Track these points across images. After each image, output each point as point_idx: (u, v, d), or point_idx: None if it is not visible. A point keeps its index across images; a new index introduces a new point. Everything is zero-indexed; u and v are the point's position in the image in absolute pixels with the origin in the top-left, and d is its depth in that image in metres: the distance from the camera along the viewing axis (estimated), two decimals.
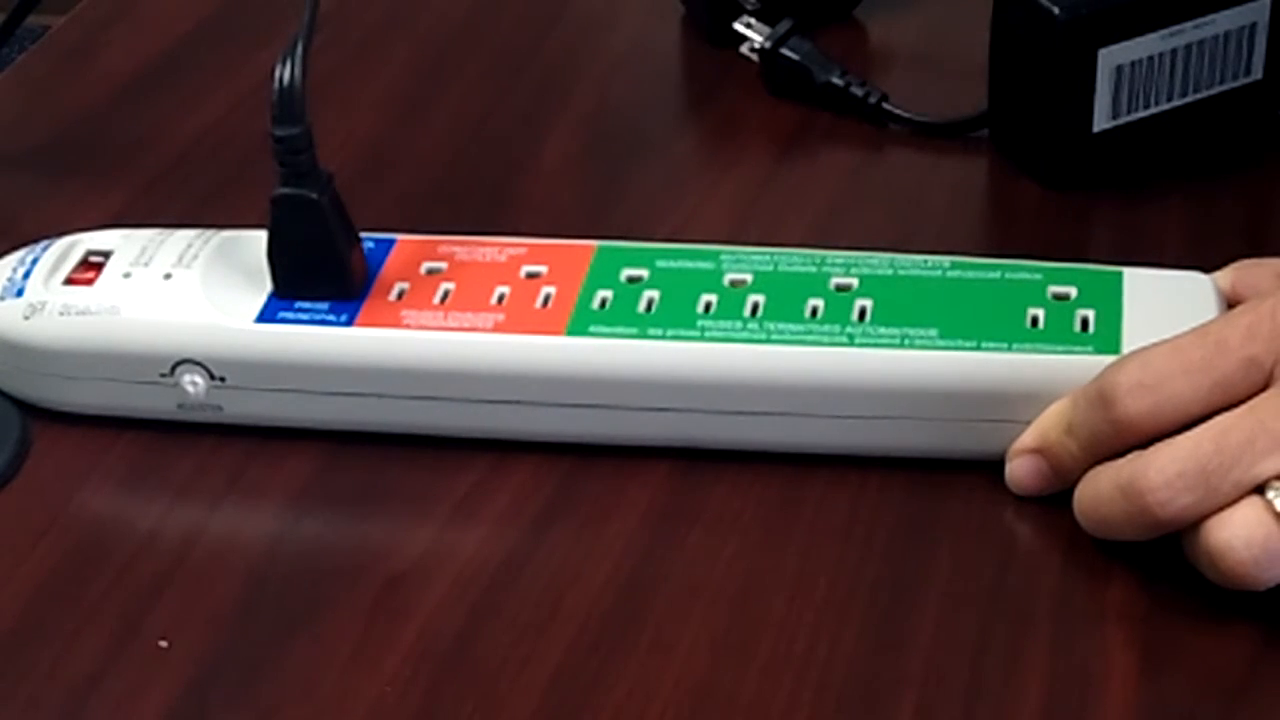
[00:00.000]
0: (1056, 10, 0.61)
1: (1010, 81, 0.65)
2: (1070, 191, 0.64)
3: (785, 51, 0.70)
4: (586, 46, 0.77)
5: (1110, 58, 0.62)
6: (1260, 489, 0.48)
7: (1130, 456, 0.50)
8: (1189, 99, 0.64)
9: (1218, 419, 0.49)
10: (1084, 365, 0.53)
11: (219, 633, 0.51)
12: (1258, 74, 0.64)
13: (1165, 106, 0.64)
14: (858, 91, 0.69)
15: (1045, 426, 0.52)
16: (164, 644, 0.51)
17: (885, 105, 0.68)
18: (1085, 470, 0.52)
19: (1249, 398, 0.49)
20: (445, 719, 0.49)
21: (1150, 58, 0.62)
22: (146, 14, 0.80)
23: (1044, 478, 0.53)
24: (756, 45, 0.70)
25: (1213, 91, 0.64)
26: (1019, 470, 0.53)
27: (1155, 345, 0.51)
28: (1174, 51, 0.63)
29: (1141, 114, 0.64)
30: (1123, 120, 0.63)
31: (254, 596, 0.53)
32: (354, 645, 0.51)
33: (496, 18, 0.79)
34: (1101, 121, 0.63)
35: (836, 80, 0.69)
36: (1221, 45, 0.63)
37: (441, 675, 0.50)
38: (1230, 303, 0.54)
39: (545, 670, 0.50)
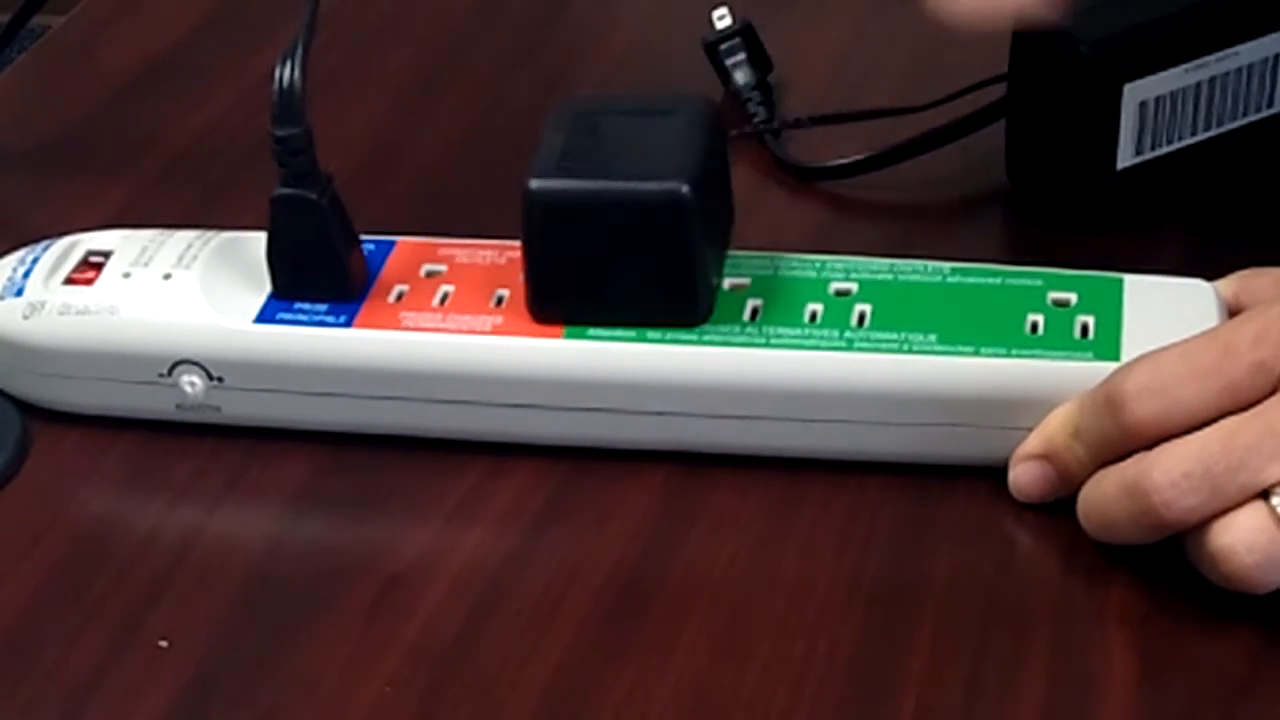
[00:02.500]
0: (1082, 46, 0.60)
1: (1030, 119, 0.63)
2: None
3: (723, 48, 0.71)
4: (586, 46, 0.78)
5: (1135, 93, 0.61)
6: (1265, 494, 0.48)
7: (1136, 457, 0.50)
8: (1211, 133, 0.63)
9: (1225, 421, 0.49)
10: (1084, 372, 0.53)
11: (219, 633, 0.52)
12: (1279, 106, 0.64)
13: (1189, 141, 0.62)
14: (754, 110, 0.69)
15: (1051, 431, 0.52)
16: (164, 644, 0.51)
17: (770, 137, 0.68)
18: (1090, 475, 0.52)
19: (1257, 403, 0.49)
20: (445, 719, 0.49)
21: (1174, 92, 0.61)
22: (146, 14, 0.80)
23: (1049, 483, 0.53)
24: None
25: (1234, 125, 0.63)
26: (1024, 476, 0.53)
27: (1163, 350, 0.51)
28: (1198, 85, 0.61)
29: (1165, 150, 0.62)
30: (1146, 157, 0.62)
31: (254, 596, 0.53)
32: (354, 645, 0.51)
33: (496, 18, 0.79)
34: (1125, 159, 0.62)
35: (742, 92, 0.70)
36: (1245, 78, 0.62)
37: (441, 675, 0.50)
38: (1232, 311, 0.54)
39: (545, 670, 0.50)
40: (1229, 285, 0.55)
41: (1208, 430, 0.49)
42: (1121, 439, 0.50)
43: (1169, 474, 0.49)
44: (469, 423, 0.56)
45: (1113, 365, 0.52)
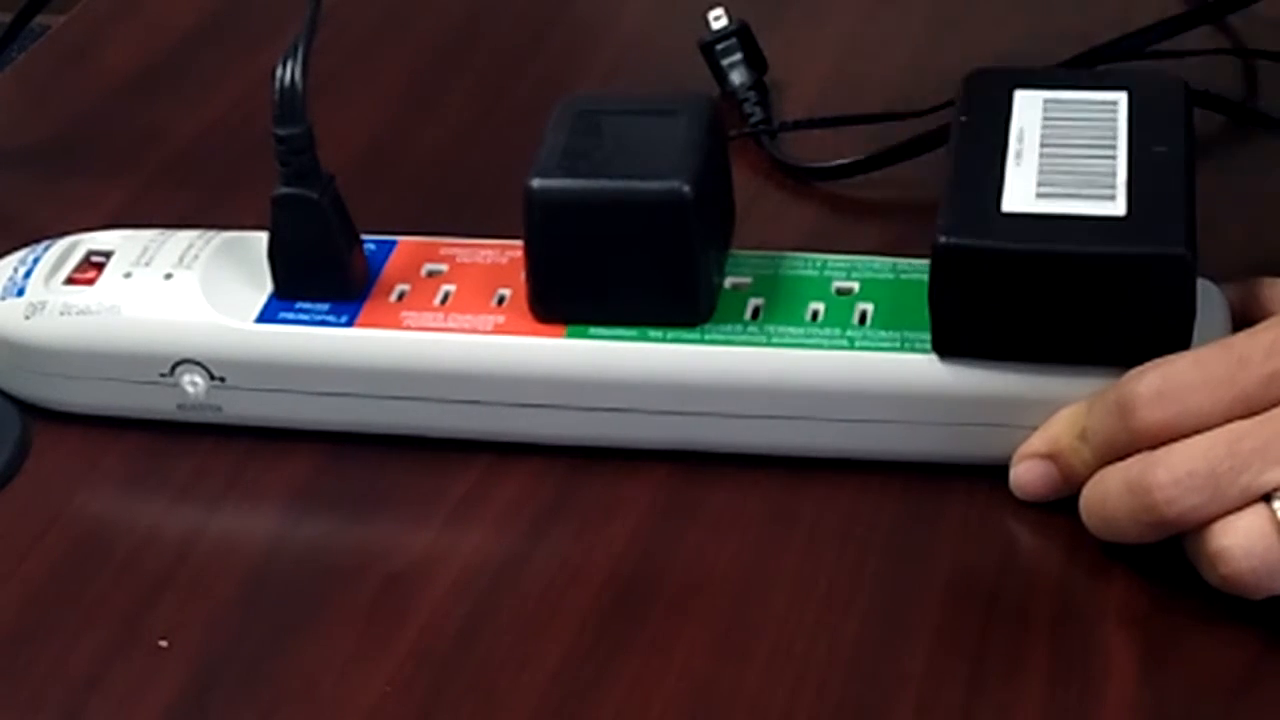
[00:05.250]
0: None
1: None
2: None
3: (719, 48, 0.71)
4: (586, 46, 0.78)
5: None
6: (1267, 497, 0.48)
7: (1141, 455, 0.50)
8: None
9: (1233, 424, 0.49)
10: (1085, 371, 0.52)
11: (219, 633, 0.52)
12: None
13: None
14: (751, 110, 0.69)
15: (1056, 431, 0.52)
16: (164, 644, 0.51)
17: (766, 138, 0.68)
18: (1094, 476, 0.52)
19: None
20: (445, 719, 0.49)
21: None
22: (147, 13, 0.80)
23: (1052, 482, 0.53)
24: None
25: None
26: (1027, 475, 0.53)
27: (1176, 356, 0.51)
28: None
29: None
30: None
31: (254, 596, 0.53)
32: (354, 645, 0.51)
33: (496, 18, 0.79)
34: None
35: (738, 93, 0.70)
36: None
37: (441, 675, 0.50)
38: (1237, 314, 0.54)
39: (545, 670, 0.50)
40: (1236, 289, 0.55)
41: (1214, 432, 0.49)
42: (1130, 443, 0.50)
43: (1173, 472, 0.49)
44: (470, 422, 0.56)
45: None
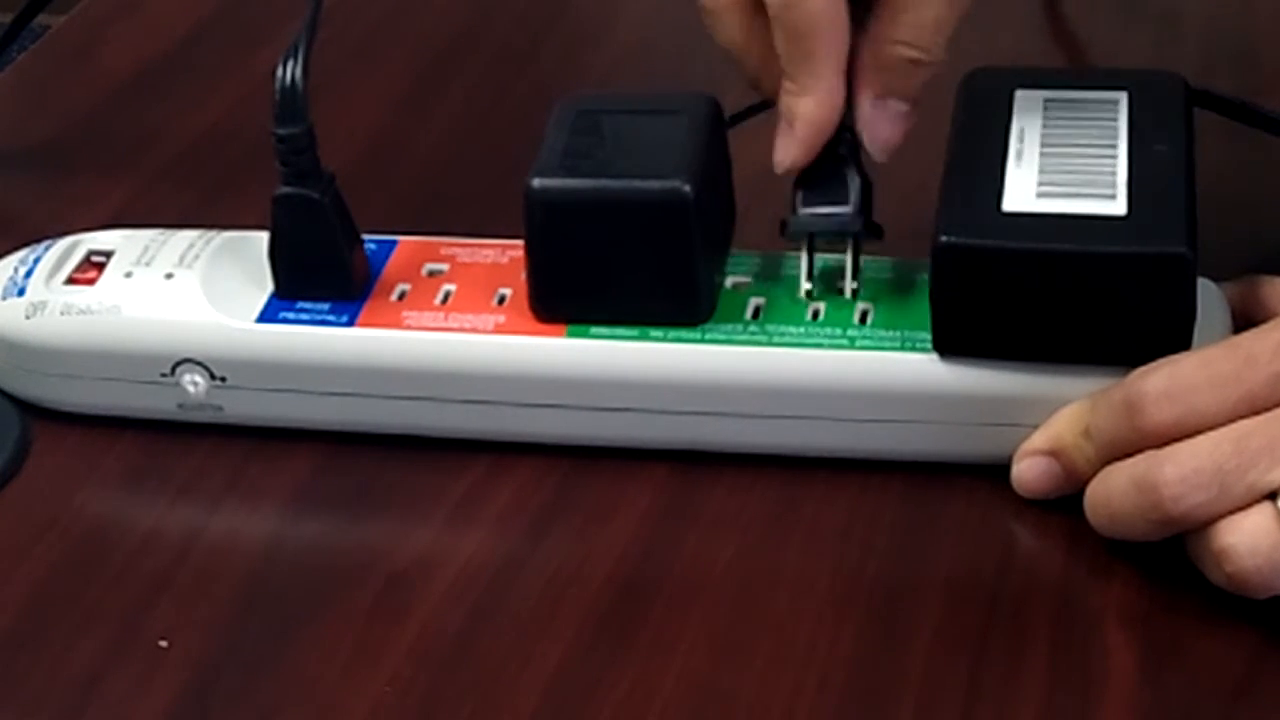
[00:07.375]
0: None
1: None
2: None
3: None
4: (586, 46, 0.78)
5: None
6: (1273, 495, 0.48)
7: (1147, 453, 0.50)
8: None
9: (1240, 423, 0.49)
10: (1086, 371, 0.52)
11: (219, 633, 0.52)
12: None
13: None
14: None
15: (1060, 429, 0.52)
16: (164, 644, 0.51)
17: None
18: (1096, 474, 0.51)
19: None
20: (445, 719, 0.49)
21: None
22: (147, 14, 0.80)
23: (1055, 480, 0.53)
24: None
25: None
26: (1029, 472, 0.53)
27: (1183, 356, 0.51)
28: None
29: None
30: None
31: (254, 597, 0.53)
32: (354, 645, 0.51)
33: (496, 18, 0.79)
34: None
35: None
36: None
37: (441, 675, 0.50)
38: (1238, 315, 0.54)
39: (545, 670, 0.50)
40: (1236, 288, 0.55)
41: (1221, 430, 0.49)
42: (1136, 442, 0.50)
43: (1180, 469, 0.49)
44: (471, 422, 0.56)
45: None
